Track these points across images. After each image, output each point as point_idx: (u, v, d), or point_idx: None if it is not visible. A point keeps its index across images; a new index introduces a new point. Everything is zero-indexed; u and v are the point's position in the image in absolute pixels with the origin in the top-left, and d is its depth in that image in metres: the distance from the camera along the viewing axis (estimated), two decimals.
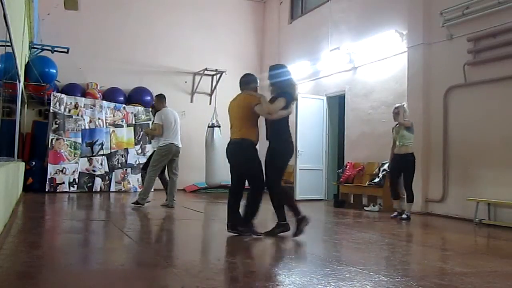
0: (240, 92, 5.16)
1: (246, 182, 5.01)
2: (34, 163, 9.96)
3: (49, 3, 10.63)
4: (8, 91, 5.86)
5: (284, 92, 4.94)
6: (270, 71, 5.18)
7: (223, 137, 11.52)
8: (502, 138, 6.74)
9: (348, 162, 9.72)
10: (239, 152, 4.89)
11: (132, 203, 7.48)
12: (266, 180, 4.87)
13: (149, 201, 7.56)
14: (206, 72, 12.47)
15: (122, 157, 10.97)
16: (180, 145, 7.63)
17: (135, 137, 11.06)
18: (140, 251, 4.15)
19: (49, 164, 9.86)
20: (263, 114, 4.88)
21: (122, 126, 11.08)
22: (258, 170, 4.89)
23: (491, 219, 6.72)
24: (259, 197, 4.92)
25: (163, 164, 7.52)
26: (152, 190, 8.26)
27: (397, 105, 7.35)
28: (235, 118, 4.97)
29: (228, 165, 5.07)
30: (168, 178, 7.80)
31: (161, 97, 7.92)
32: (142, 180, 8.22)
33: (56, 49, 9.84)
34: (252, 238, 4.81)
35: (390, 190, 7.37)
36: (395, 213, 7.16)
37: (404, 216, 7.01)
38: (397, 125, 7.23)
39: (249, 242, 4.70)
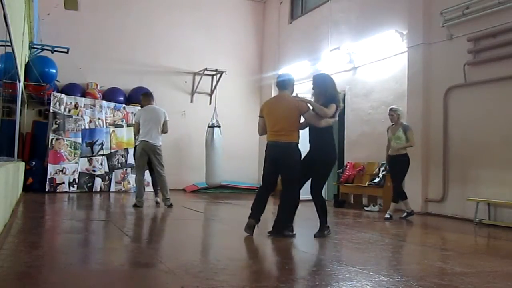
0: (279, 92, 5.18)
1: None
2: (34, 163, 9.96)
3: (49, 3, 10.63)
4: (8, 91, 5.86)
5: (334, 99, 4.98)
6: (316, 79, 5.23)
7: (223, 137, 11.55)
8: (502, 138, 6.74)
9: (348, 162, 9.71)
10: (291, 155, 4.87)
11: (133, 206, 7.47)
12: (316, 186, 4.96)
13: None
14: (206, 72, 12.46)
15: (122, 157, 10.97)
16: (154, 142, 7.35)
17: (135, 137, 11.03)
18: (140, 251, 4.15)
19: (49, 164, 9.86)
20: (314, 121, 4.89)
21: (122, 126, 11.08)
22: (299, 172, 4.92)
23: (491, 219, 6.71)
24: (298, 197, 5.02)
25: (142, 162, 7.43)
26: (152, 190, 8.26)
27: (393, 107, 7.29)
28: (283, 120, 4.89)
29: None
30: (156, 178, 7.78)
31: (146, 95, 7.87)
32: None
33: (56, 49, 9.83)
34: (253, 238, 4.81)
35: (396, 192, 7.13)
36: (405, 213, 7.04)
37: (387, 216, 6.96)
38: (393, 125, 7.20)
39: (249, 243, 4.70)
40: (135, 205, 7.36)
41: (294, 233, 4.94)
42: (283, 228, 4.89)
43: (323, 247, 4.62)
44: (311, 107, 4.96)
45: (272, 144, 4.94)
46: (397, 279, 3.20)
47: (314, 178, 5.00)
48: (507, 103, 6.73)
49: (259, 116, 5.17)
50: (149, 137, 7.35)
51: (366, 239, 5.20)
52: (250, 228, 4.87)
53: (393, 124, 7.20)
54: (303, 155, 5.00)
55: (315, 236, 4.94)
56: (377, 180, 8.59)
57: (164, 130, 7.56)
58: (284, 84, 5.13)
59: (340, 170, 9.84)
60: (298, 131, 4.97)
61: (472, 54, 7.27)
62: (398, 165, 7.06)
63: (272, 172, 5.01)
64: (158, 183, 7.70)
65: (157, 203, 7.73)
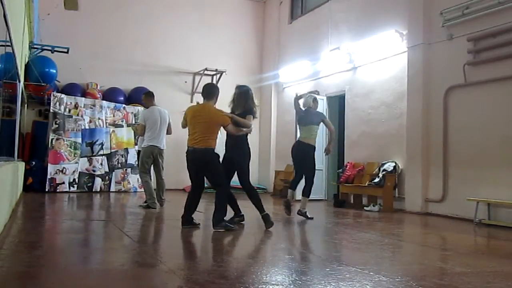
0: (204, 100, 5.48)
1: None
2: (34, 163, 9.96)
3: (49, 3, 10.63)
4: (8, 91, 5.86)
5: (251, 111, 5.58)
6: (240, 89, 5.79)
7: (222, 136, 11.53)
8: (502, 138, 6.74)
9: (348, 162, 9.71)
10: (208, 159, 5.23)
11: (143, 207, 7.41)
12: (243, 178, 5.55)
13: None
14: (206, 72, 12.47)
15: (122, 157, 10.97)
16: (162, 147, 7.45)
17: (135, 137, 11.05)
18: (140, 251, 4.15)
19: (49, 164, 9.86)
20: (233, 131, 5.38)
21: (122, 126, 11.08)
22: (222, 172, 5.34)
23: (491, 219, 6.71)
24: (229, 193, 5.58)
25: (148, 165, 7.43)
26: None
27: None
28: (201, 129, 5.24)
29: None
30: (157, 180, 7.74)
31: (148, 95, 7.75)
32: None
33: (56, 49, 9.83)
34: (252, 237, 4.81)
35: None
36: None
37: (301, 212, 6.78)
38: None
39: (249, 242, 4.71)
40: (148, 207, 7.31)
41: (234, 226, 5.27)
42: (217, 222, 5.10)
43: (323, 247, 4.62)
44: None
45: (191, 150, 5.28)
46: (397, 279, 3.20)
47: (238, 172, 5.58)
48: (507, 103, 6.73)
49: (184, 118, 5.47)
50: (158, 141, 7.40)
51: (366, 239, 5.20)
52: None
53: None
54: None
55: (267, 228, 5.28)
56: (377, 180, 8.59)
57: (169, 132, 7.63)
58: (211, 94, 5.45)
59: (340, 170, 9.84)
60: (216, 139, 5.33)
61: (472, 54, 7.27)
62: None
63: (196, 176, 5.38)
64: (157, 185, 7.68)
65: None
